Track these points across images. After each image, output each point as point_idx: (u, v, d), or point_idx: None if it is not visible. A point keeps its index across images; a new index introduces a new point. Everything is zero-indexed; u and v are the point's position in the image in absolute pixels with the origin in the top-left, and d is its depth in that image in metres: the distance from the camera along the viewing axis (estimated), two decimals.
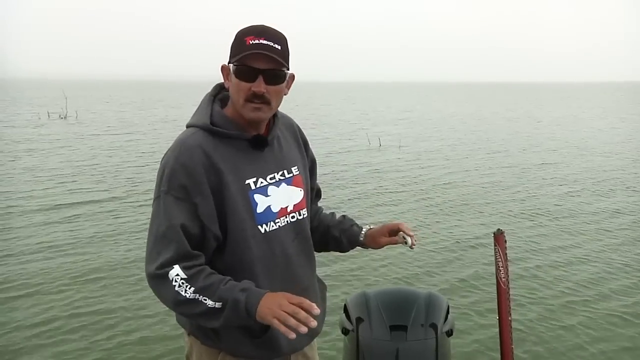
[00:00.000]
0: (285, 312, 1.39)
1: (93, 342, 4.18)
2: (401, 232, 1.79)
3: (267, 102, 1.54)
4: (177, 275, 1.46)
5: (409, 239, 1.77)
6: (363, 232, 1.88)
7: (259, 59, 1.49)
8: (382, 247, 1.85)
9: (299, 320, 1.37)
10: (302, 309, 1.39)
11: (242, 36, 1.51)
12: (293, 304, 1.40)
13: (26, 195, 9.20)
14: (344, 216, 1.96)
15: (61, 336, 4.26)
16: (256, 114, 1.54)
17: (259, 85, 1.50)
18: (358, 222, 1.95)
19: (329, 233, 1.89)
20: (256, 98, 1.52)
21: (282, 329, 1.38)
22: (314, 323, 1.38)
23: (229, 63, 1.55)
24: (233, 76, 1.53)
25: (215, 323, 1.49)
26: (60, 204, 8.56)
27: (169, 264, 1.47)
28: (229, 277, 1.51)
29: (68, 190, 9.65)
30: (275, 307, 1.40)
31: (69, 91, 37.12)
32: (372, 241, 1.85)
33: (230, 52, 1.54)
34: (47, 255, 6.11)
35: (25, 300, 4.91)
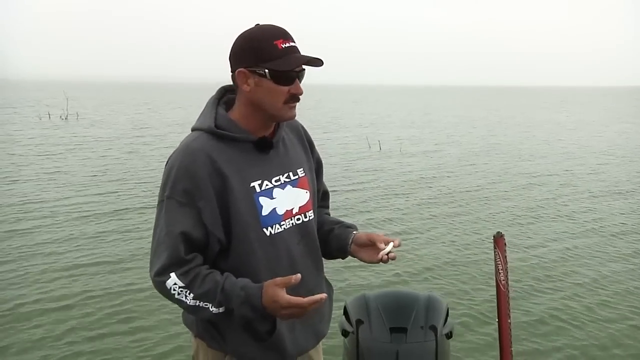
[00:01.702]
0: (294, 313, 1.49)
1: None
2: (383, 250, 1.65)
3: (298, 101, 1.59)
4: (175, 284, 1.51)
5: (384, 250, 1.64)
6: (354, 233, 1.78)
7: (296, 62, 1.52)
8: (363, 260, 1.73)
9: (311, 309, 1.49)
10: (302, 307, 1.47)
11: (269, 40, 1.51)
12: (292, 307, 1.48)
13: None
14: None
15: (79, 344, 4.23)
16: (293, 112, 1.60)
17: (299, 87, 1.55)
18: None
19: (321, 229, 1.83)
20: (293, 99, 1.56)
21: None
22: (321, 301, 1.48)
23: (253, 68, 1.52)
24: (269, 81, 1.52)
25: (227, 322, 1.56)
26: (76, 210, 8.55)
27: (165, 271, 1.51)
28: (224, 278, 1.53)
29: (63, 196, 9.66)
30: (283, 313, 1.50)
31: (69, 92, 37.09)
32: (356, 249, 1.75)
33: (256, 56, 1.51)
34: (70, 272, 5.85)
35: (46, 313, 4.74)
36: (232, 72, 1.58)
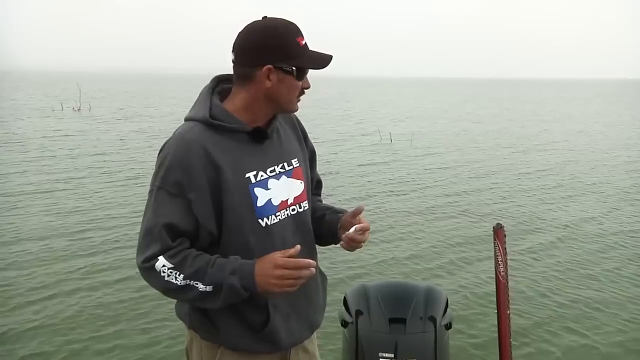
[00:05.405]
0: (286, 280, 1.48)
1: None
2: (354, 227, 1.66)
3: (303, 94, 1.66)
4: (164, 266, 1.49)
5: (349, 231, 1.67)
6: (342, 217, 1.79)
7: (323, 62, 1.59)
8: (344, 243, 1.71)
9: (304, 276, 1.50)
10: (299, 268, 1.49)
11: (292, 36, 1.55)
12: (288, 268, 1.48)
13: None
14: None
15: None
16: (298, 105, 1.66)
17: (308, 82, 1.62)
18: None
19: (313, 215, 1.83)
20: (301, 93, 1.63)
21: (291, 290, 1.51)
22: (312, 270, 1.50)
23: (280, 65, 1.53)
24: (290, 77, 1.55)
25: (212, 305, 1.53)
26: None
27: (154, 257, 1.50)
28: (215, 257, 1.53)
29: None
30: (275, 279, 1.48)
31: (71, 83, 36.83)
32: (343, 232, 1.73)
33: (283, 54, 1.53)
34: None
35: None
36: (249, 65, 1.54)
